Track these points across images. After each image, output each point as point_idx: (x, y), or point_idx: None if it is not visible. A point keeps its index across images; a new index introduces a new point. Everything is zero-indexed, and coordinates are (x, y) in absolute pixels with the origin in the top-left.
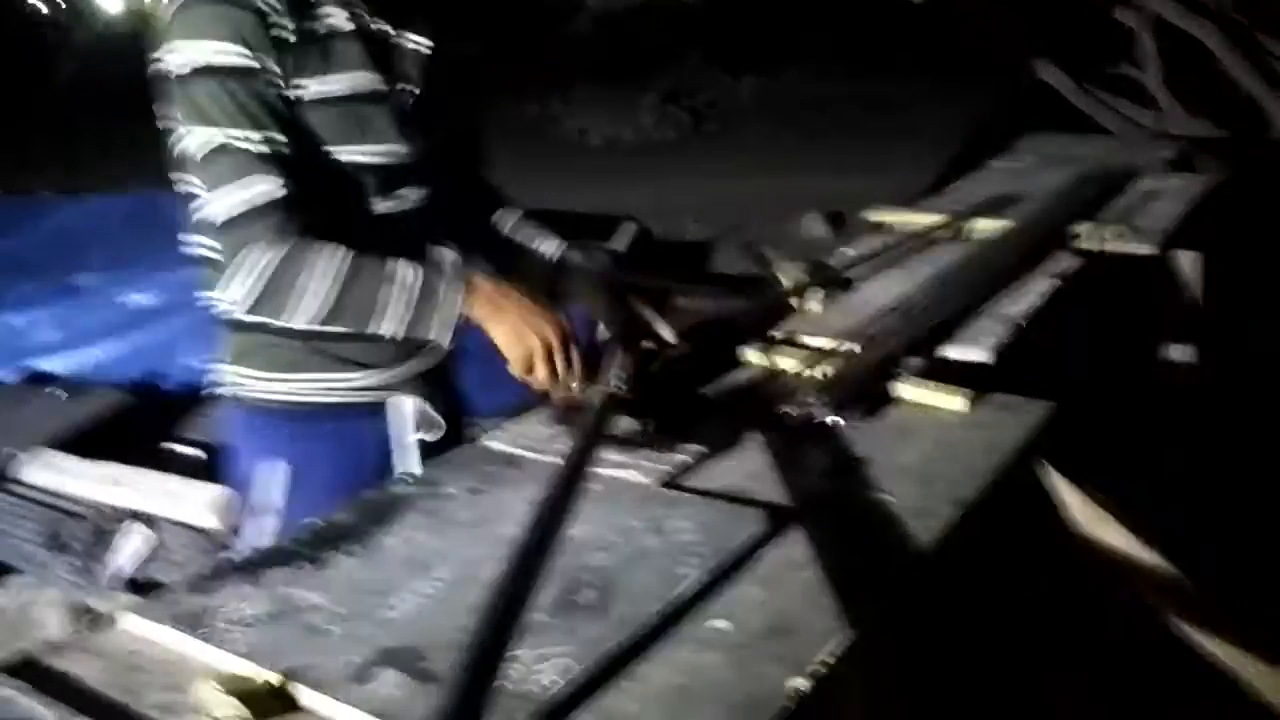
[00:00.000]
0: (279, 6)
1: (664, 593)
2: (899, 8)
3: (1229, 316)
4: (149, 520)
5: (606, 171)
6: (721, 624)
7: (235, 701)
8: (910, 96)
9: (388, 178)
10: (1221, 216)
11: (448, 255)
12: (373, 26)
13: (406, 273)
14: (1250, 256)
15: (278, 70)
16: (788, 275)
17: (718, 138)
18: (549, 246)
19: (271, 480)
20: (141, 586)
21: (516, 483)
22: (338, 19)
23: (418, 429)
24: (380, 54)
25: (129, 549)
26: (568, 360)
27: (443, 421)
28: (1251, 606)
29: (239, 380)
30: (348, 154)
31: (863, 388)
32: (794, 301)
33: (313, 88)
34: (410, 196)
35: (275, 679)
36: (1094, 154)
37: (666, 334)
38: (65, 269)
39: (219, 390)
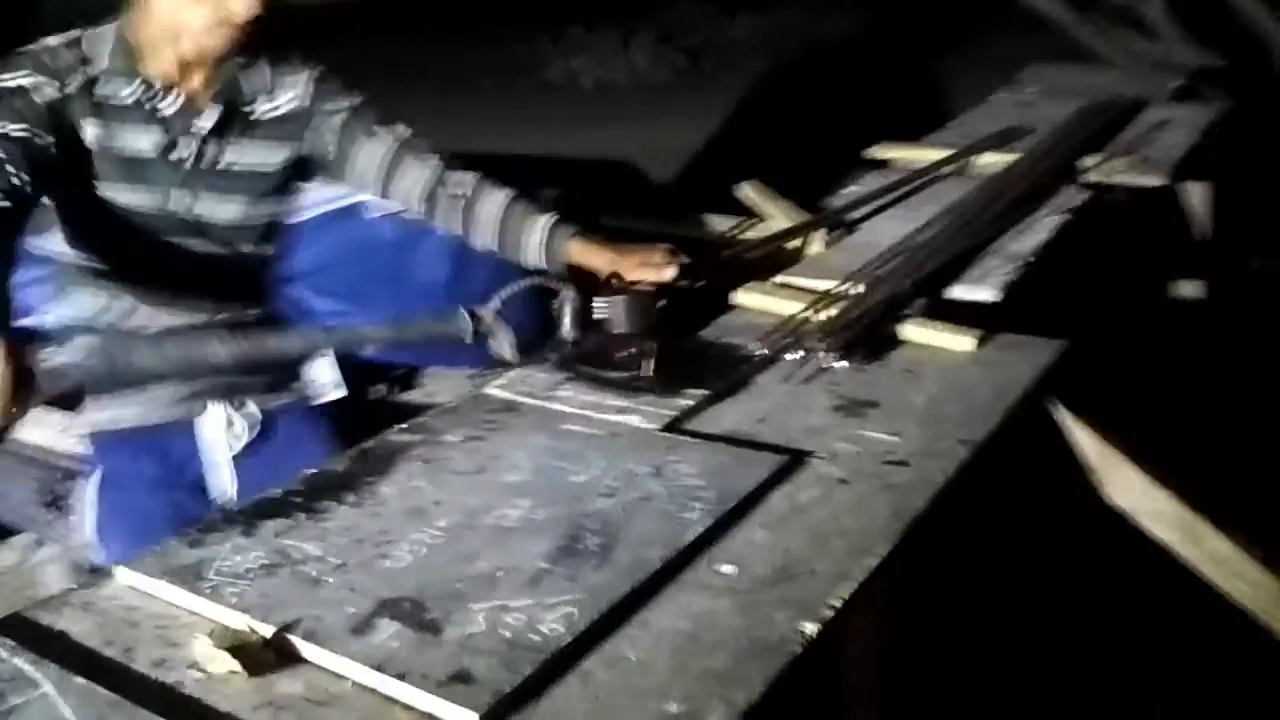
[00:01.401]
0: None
1: (668, 538)
2: None
3: (1237, 248)
4: None
5: (598, 114)
6: (727, 569)
7: (230, 657)
8: (909, 33)
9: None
10: (1229, 146)
11: None
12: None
13: None
14: (1258, 187)
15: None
16: (788, 216)
17: (713, 78)
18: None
19: (86, 493)
20: None
21: (516, 430)
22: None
23: (232, 438)
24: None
25: None
26: None
27: (257, 415)
28: (1266, 542)
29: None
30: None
31: (867, 330)
32: (795, 243)
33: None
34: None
35: (272, 632)
36: (1100, 84)
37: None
38: None
39: None
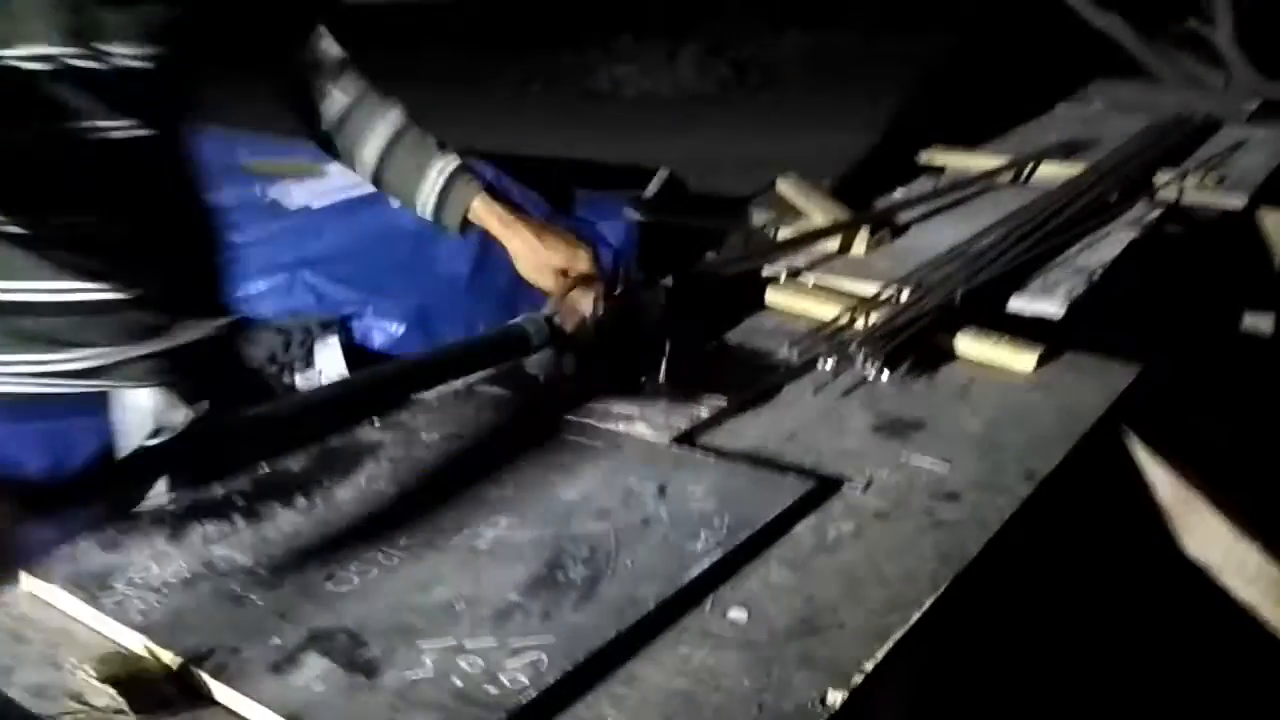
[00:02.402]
0: None
1: (668, 573)
2: None
3: None
4: None
5: (643, 124)
6: (738, 615)
7: (113, 691)
8: (960, 51)
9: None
10: None
11: None
12: None
13: None
14: None
15: None
16: (829, 213)
17: (759, 92)
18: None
19: None
20: None
21: (504, 434)
22: None
23: (159, 425)
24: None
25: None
26: None
27: (188, 409)
28: None
29: None
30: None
31: (914, 340)
32: (834, 243)
33: None
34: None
35: (174, 662)
36: (1169, 102)
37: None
38: None
39: None
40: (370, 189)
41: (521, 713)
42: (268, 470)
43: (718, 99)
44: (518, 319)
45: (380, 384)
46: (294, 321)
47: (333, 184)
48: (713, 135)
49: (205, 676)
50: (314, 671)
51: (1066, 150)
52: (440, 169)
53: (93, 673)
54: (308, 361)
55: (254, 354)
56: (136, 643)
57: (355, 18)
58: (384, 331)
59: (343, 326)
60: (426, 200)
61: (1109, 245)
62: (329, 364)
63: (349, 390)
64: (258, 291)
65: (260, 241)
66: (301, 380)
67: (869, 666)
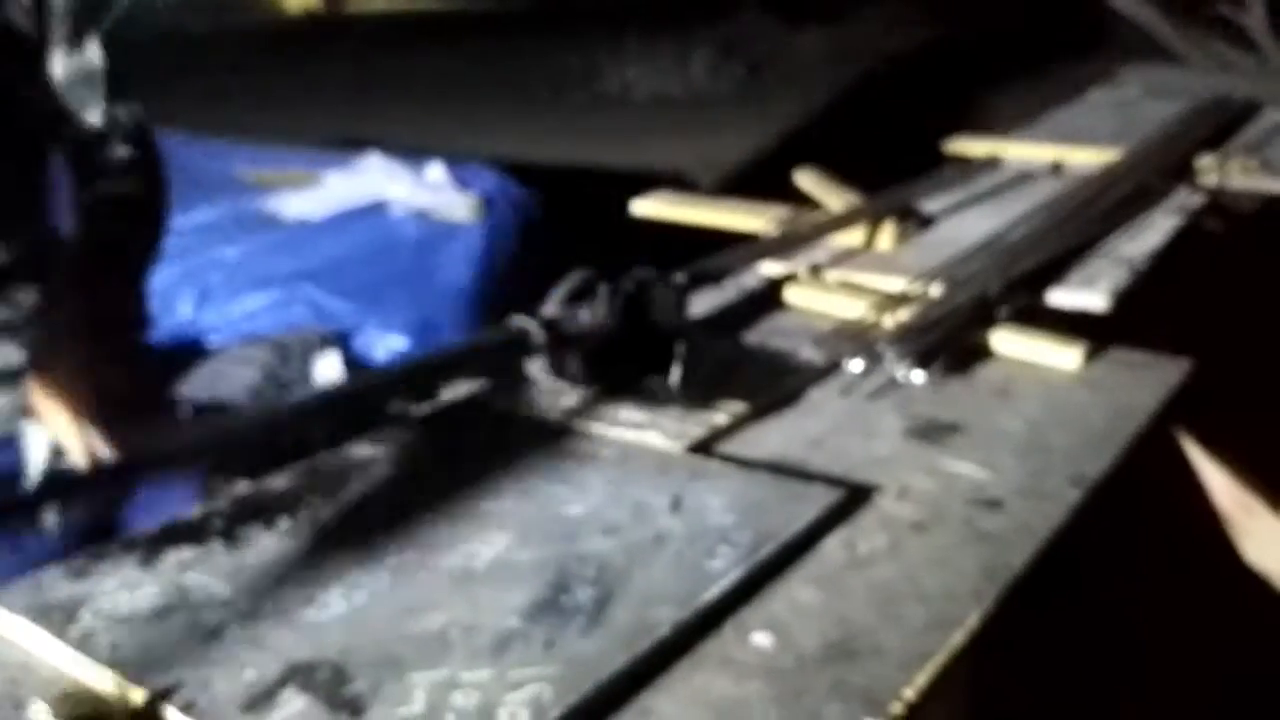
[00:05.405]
0: None
1: (685, 594)
2: None
3: None
4: None
5: (654, 127)
6: (763, 640)
7: None
8: (983, 45)
9: None
10: None
11: None
12: None
13: None
14: None
15: None
16: (848, 206)
17: (774, 91)
18: None
19: None
20: None
21: (505, 445)
22: None
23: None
24: None
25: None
26: None
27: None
28: None
29: None
30: None
31: (947, 337)
32: (857, 237)
33: None
34: None
35: (140, 698)
36: (1208, 85)
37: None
38: None
39: None
40: (369, 201)
41: None
42: (249, 491)
43: (731, 100)
44: (513, 319)
45: (363, 393)
46: (292, 337)
47: (330, 194)
48: (726, 137)
49: (174, 715)
50: (293, 708)
51: (1102, 136)
52: None
53: (55, 709)
54: (307, 378)
55: (250, 372)
56: (102, 679)
57: (362, 27)
58: (386, 345)
59: (343, 341)
60: None
61: (1151, 233)
62: (329, 380)
63: (327, 401)
64: (254, 306)
65: (256, 254)
66: None
67: (910, 694)
